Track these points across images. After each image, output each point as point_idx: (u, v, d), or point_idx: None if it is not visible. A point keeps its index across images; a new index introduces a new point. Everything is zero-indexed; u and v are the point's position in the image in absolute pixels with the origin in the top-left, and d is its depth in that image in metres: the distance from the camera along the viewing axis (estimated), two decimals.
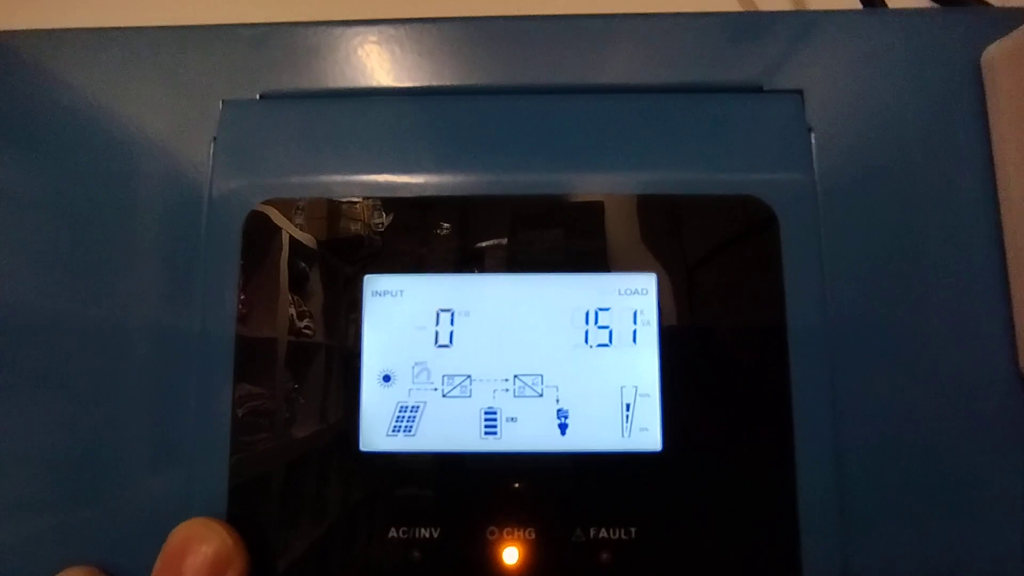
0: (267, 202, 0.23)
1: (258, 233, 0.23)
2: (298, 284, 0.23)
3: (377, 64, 0.25)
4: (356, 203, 0.23)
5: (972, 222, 0.23)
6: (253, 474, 0.22)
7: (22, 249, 0.24)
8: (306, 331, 0.23)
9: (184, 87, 0.25)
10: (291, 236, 0.23)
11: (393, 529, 0.21)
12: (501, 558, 0.21)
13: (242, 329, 0.22)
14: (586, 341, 0.23)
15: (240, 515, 0.21)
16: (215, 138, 0.24)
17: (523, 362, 0.22)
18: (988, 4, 0.30)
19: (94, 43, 0.25)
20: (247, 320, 0.23)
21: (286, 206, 0.23)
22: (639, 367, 0.22)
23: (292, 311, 0.23)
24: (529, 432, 0.22)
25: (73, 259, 0.24)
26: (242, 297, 0.23)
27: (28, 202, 0.24)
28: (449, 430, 0.22)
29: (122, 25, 0.26)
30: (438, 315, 0.23)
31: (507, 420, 0.22)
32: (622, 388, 0.22)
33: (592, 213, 0.23)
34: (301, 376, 0.22)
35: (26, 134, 0.24)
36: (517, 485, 0.22)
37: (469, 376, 0.22)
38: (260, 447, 0.22)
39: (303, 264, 0.23)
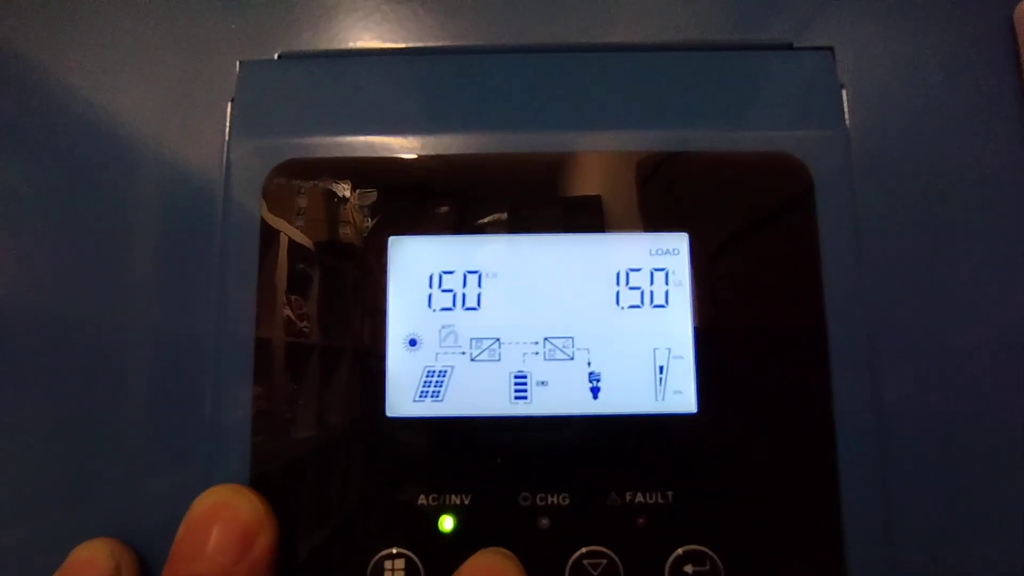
0: (287, 162, 0.23)
1: (277, 196, 0.22)
2: (310, 270, 0.22)
3: (398, 23, 0.24)
4: (376, 163, 0.23)
5: (1007, 180, 0.23)
6: (278, 442, 0.21)
7: (29, 238, 0.23)
8: (317, 329, 0.22)
9: (200, 49, 0.24)
10: (305, 210, 0.22)
11: (423, 496, 0.21)
12: (535, 524, 0.21)
13: (258, 329, 0.22)
14: (617, 302, 0.22)
15: (265, 484, 0.21)
16: (232, 99, 0.23)
17: (553, 324, 0.22)
18: None
19: (102, 6, 0.24)
20: (262, 314, 0.22)
21: (302, 175, 0.22)
22: (672, 328, 0.22)
23: (301, 310, 0.22)
24: (560, 396, 0.22)
25: (84, 242, 0.23)
26: (257, 294, 0.22)
27: (34, 185, 0.23)
28: (478, 394, 0.22)
29: None
30: (465, 277, 0.22)
31: (537, 384, 0.22)
32: (655, 350, 0.22)
33: (623, 172, 0.22)
34: (318, 358, 0.22)
35: (28, 107, 0.24)
36: (549, 450, 0.21)
37: (498, 339, 0.22)
38: (284, 424, 0.21)
39: (318, 243, 0.22)
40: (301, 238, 0.22)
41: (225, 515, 0.19)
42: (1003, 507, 0.21)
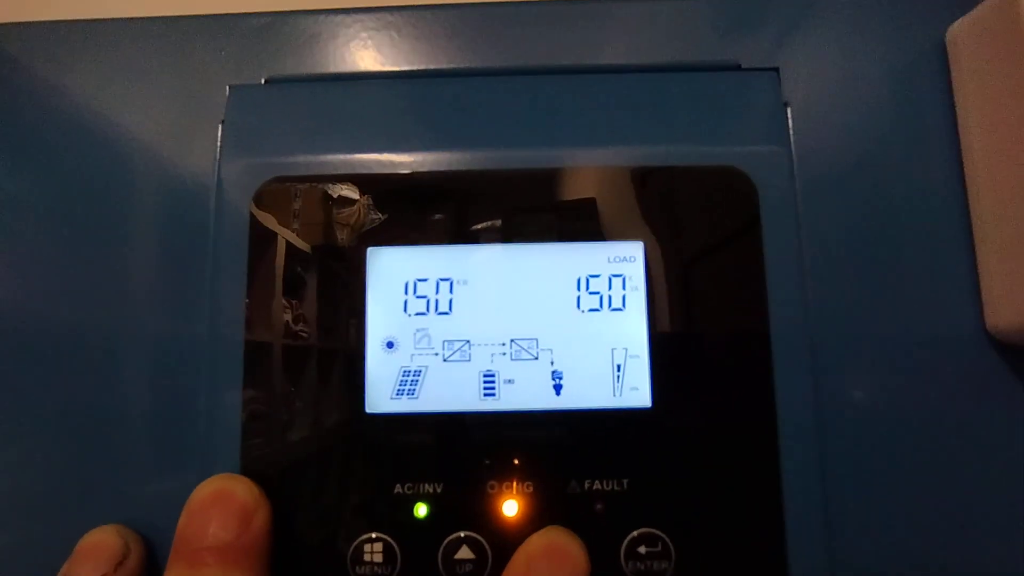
0: (274, 179, 0.24)
1: (264, 211, 0.24)
2: (295, 279, 0.24)
3: (376, 49, 0.26)
4: (356, 180, 0.25)
5: (939, 191, 0.25)
6: (267, 437, 0.23)
7: (32, 248, 0.25)
8: (302, 333, 0.24)
9: (192, 74, 0.26)
10: (290, 223, 0.24)
11: (399, 485, 0.23)
12: (501, 510, 0.23)
13: (247, 334, 0.24)
14: (578, 306, 0.24)
15: (256, 475, 0.22)
16: (223, 121, 0.25)
17: (519, 327, 0.24)
18: None
19: (102, 33, 0.26)
20: (252, 320, 0.24)
21: (288, 191, 0.24)
22: (629, 330, 0.24)
23: (288, 316, 0.24)
24: (526, 393, 0.23)
25: (83, 253, 0.25)
26: (247, 301, 0.24)
27: (38, 197, 0.25)
28: (450, 392, 0.23)
29: (117, 16, 0.27)
30: (438, 284, 0.24)
31: (505, 382, 0.23)
32: (613, 350, 0.24)
33: (582, 185, 0.24)
34: (303, 359, 0.24)
35: (33, 127, 0.26)
36: (515, 442, 0.23)
37: (468, 341, 0.24)
38: (272, 420, 0.23)
39: (303, 255, 0.24)
40: (287, 250, 0.24)
41: (223, 498, 0.21)
42: (927, 496, 0.23)
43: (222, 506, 0.20)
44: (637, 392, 0.23)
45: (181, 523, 0.21)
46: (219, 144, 0.25)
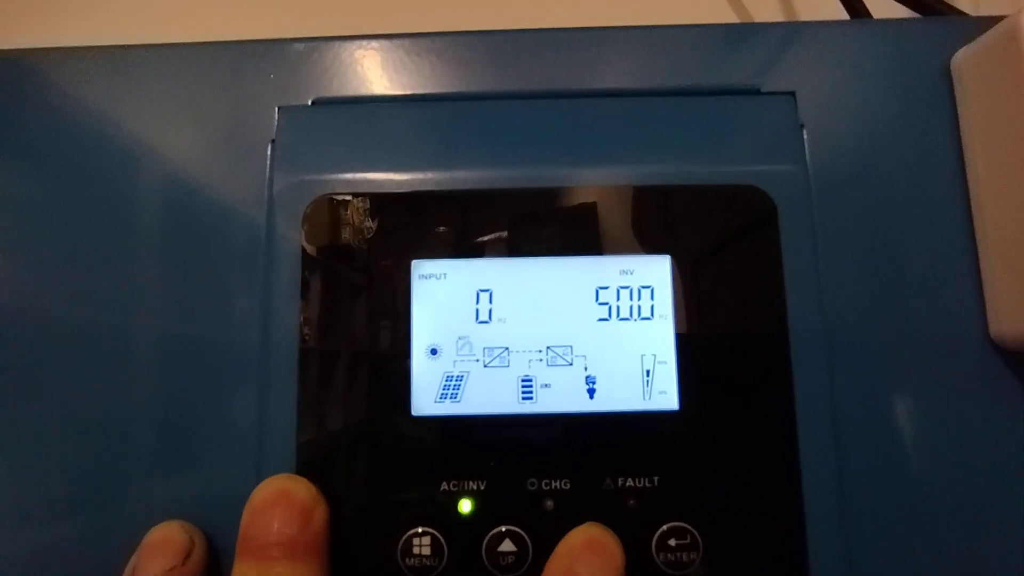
0: (322, 196, 0.26)
1: (314, 226, 0.26)
2: (343, 290, 0.26)
3: (417, 72, 0.28)
4: (400, 196, 0.26)
5: (945, 206, 0.26)
6: (320, 438, 0.25)
7: (94, 264, 0.26)
8: (350, 341, 0.26)
9: (244, 96, 0.27)
10: (339, 238, 0.26)
11: (444, 483, 0.24)
12: (540, 506, 0.24)
13: (301, 341, 0.25)
14: (609, 315, 0.25)
15: (310, 474, 0.24)
16: (273, 140, 0.27)
17: (554, 335, 0.25)
18: (962, 13, 0.33)
19: (157, 59, 0.28)
20: (304, 329, 0.25)
21: (336, 207, 0.26)
22: (657, 337, 0.25)
23: (337, 324, 0.25)
24: (561, 396, 0.25)
25: (144, 265, 0.26)
26: (300, 310, 0.25)
27: (96, 216, 0.27)
28: (490, 396, 0.25)
29: (170, 41, 0.28)
30: (478, 295, 0.26)
31: (542, 386, 0.25)
32: (642, 356, 0.25)
33: (614, 203, 0.26)
34: (352, 366, 0.25)
35: (91, 150, 0.27)
36: (553, 442, 0.25)
37: (507, 348, 0.25)
38: (325, 423, 0.25)
39: (350, 266, 0.26)
40: (336, 261, 0.26)
41: (284, 497, 0.22)
42: (935, 495, 0.25)
43: (284, 504, 0.22)
44: (665, 396, 0.25)
45: (245, 521, 0.22)
46: (269, 162, 0.27)
